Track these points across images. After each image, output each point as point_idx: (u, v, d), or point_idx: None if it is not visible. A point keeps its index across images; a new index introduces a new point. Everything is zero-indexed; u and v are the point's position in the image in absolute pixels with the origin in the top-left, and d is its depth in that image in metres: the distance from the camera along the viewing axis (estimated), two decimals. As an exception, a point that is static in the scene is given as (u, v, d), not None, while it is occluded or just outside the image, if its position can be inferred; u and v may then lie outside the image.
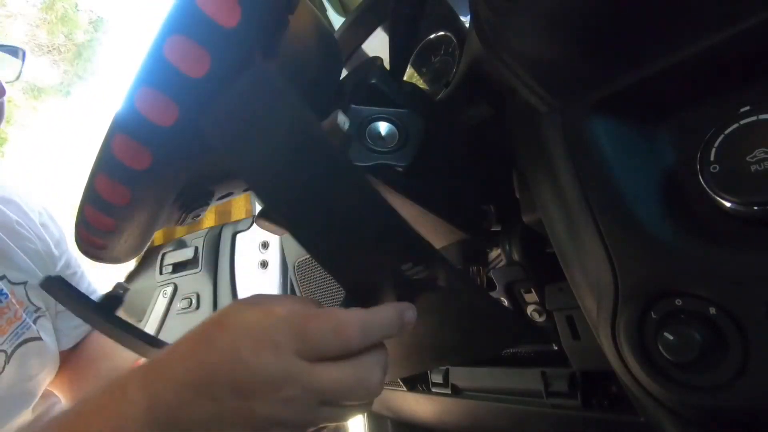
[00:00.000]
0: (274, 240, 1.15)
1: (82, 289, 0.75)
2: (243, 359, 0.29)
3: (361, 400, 0.31)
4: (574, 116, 0.34)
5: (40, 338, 0.65)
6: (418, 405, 0.68)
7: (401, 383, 0.66)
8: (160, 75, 0.28)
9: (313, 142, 0.25)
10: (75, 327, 0.74)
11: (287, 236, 0.83)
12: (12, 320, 0.62)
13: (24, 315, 0.64)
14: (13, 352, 0.61)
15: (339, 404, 0.31)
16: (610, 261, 0.33)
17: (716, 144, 0.29)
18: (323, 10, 0.94)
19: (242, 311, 0.31)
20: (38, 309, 0.67)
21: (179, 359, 0.31)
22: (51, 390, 0.75)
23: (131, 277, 1.49)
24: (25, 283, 0.66)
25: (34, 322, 0.66)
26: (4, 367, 0.60)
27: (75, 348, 0.77)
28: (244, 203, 1.27)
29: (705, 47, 0.28)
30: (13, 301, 0.62)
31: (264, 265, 1.16)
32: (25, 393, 0.63)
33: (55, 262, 0.73)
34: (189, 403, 0.29)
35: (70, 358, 0.76)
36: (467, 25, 0.52)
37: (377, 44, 0.63)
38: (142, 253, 0.39)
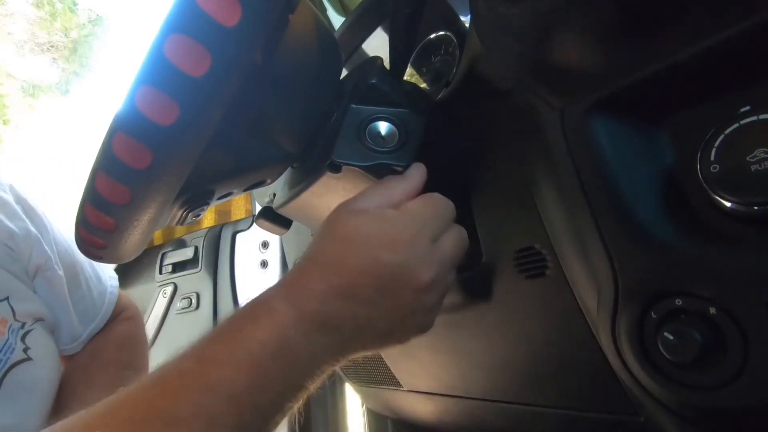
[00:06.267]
0: (274, 240, 1.15)
1: (82, 284, 0.68)
2: (383, 262, 0.34)
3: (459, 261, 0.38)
4: (575, 116, 0.34)
5: (29, 359, 0.56)
6: (418, 405, 0.68)
7: (400, 383, 0.66)
8: (160, 74, 0.28)
9: None
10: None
11: (287, 236, 0.83)
12: None
13: (7, 334, 0.55)
14: (0, 381, 0.52)
15: (453, 269, 0.38)
16: (610, 261, 0.33)
17: (716, 144, 0.29)
18: (323, 10, 0.93)
19: (358, 223, 0.35)
20: (24, 324, 0.58)
21: (319, 274, 0.34)
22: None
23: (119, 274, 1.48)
24: (6, 299, 0.57)
25: (23, 339, 0.57)
26: None
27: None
28: (244, 203, 1.27)
29: (705, 47, 0.28)
30: None
31: (264, 264, 1.16)
32: None
33: (24, 257, 0.59)
34: (340, 309, 0.33)
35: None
36: (467, 25, 0.52)
37: (377, 44, 0.63)
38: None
